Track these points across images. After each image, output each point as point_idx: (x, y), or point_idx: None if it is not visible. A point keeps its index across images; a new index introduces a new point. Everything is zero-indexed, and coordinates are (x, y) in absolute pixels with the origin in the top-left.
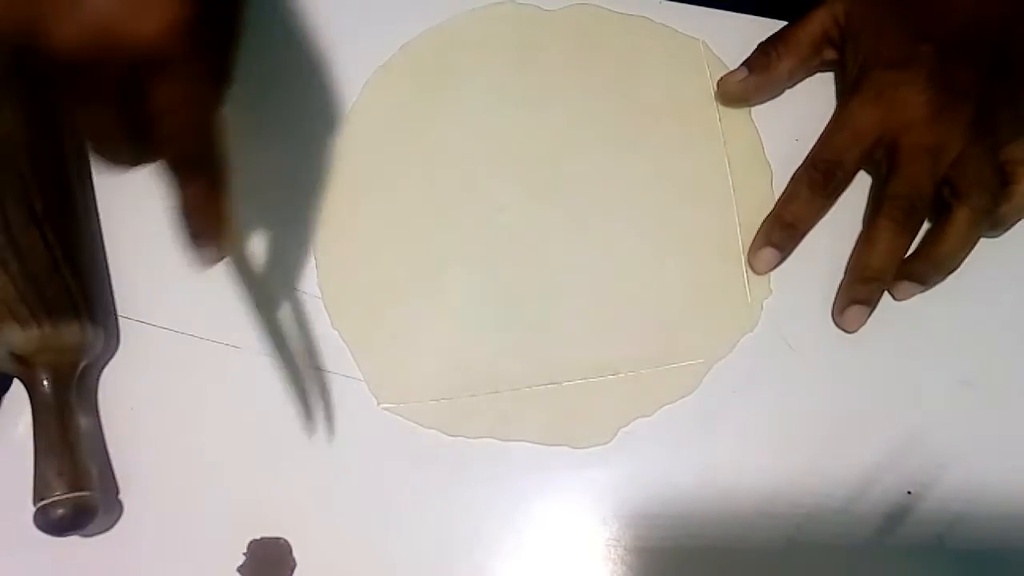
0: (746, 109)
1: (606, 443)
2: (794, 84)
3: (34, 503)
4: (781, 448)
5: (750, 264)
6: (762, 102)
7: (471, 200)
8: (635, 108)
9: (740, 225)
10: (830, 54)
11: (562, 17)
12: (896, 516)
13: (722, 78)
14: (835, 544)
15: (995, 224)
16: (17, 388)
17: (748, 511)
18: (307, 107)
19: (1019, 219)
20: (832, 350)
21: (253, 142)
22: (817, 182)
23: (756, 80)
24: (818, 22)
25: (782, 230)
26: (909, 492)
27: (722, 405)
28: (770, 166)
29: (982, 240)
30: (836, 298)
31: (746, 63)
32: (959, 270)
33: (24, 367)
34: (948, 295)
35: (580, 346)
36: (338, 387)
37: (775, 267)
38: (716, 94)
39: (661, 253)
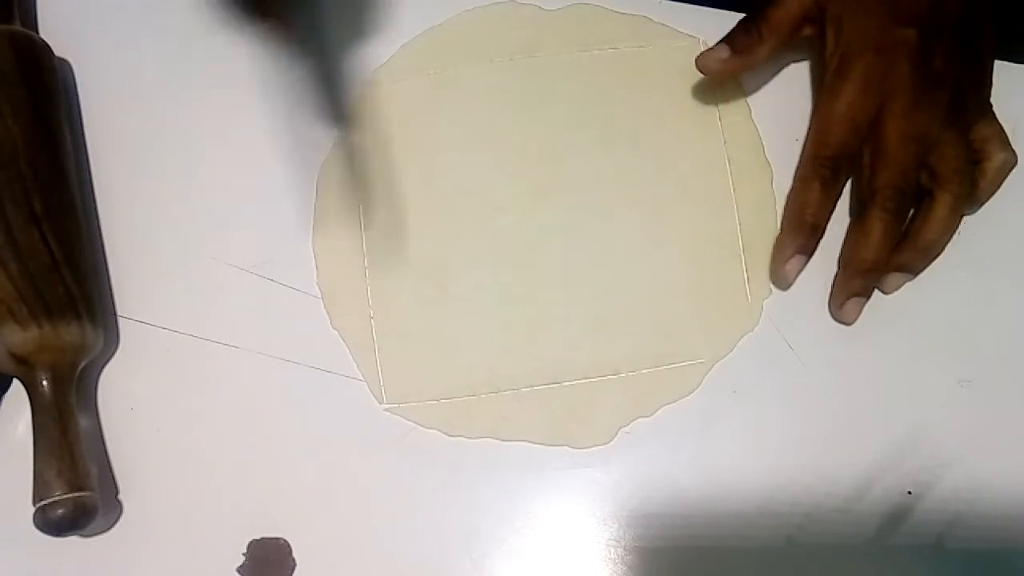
0: (746, 109)
1: (606, 443)
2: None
3: (34, 503)
4: (781, 448)
5: (777, 275)
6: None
7: (471, 200)
8: (635, 108)
9: (740, 225)
10: (808, 31)
11: (562, 17)
12: (896, 516)
13: (703, 54)
14: (835, 544)
15: (972, 202)
16: (17, 388)
17: (748, 511)
18: (307, 107)
19: (992, 195)
20: (832, 350)
21: (253, 141)
22: (828, 179)
23: (740, 62)
24: (797, 1)
25: (809, 235)
26: (909, 492)
27: (722, 405)
28: (770, 166)
29: (982, 241)
30: (832, 292)
31: (728, 42)
32: (960, 271)
33: (24, 367)
34: (948, 295)
35: (580, 346)
36: (338, 387)
37: (801, 272)
38: (697, 68)
39: (661, 253)
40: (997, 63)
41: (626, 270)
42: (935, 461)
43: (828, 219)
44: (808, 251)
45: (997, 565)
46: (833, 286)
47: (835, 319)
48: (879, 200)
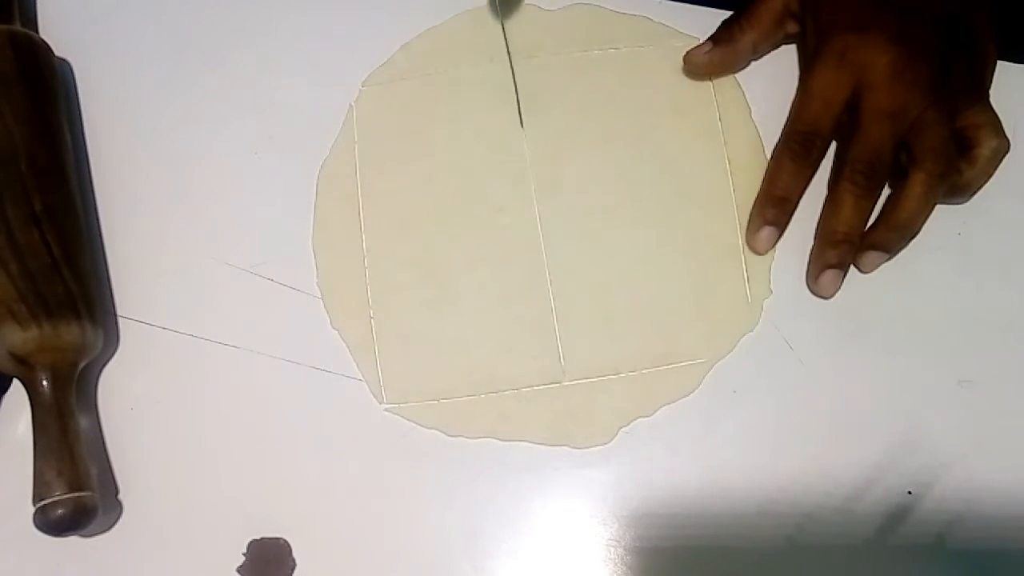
0: (746, 109)
1: (606, 443)
2: (759, 57)
3: (34, 503)
4: (781, 448)
5: (750, 246)
6: (726, 74)
7: (471, 200)
8: (635, 108)
9: (740, 225)
10: (792, 27)
11: (562, 17)
12: (897, 516)
13: (688, 52)
14: (835, 544)
15: (961, 190)
16: (17, 388)
17: (748, 511)
18: (308, 106)
19: (984, 183)
20: (832, 350)
21: (253, 140)
22: (799, 154)
23: (721, 52)
24: None
25: (775, 206)
26: (910, 492)
27: (722, 405)
28: None
29: (982, 240)
30: (808, 266)
31: (711, 37)
32: (959, 270)
33: (24, 367)
34: (947, 295)
35: (580, 346)
36: (338, 387)
37: (775, 244)
38: (684, 69)
39: (661, 253)
40: (997, 63)
41: (626, 270)
42: (935, 461)
43: (799, 193)
44: (779, 223)
45: (998, 565)
46: (809, 259)
47: (812, 292)
48: (848, 173)
